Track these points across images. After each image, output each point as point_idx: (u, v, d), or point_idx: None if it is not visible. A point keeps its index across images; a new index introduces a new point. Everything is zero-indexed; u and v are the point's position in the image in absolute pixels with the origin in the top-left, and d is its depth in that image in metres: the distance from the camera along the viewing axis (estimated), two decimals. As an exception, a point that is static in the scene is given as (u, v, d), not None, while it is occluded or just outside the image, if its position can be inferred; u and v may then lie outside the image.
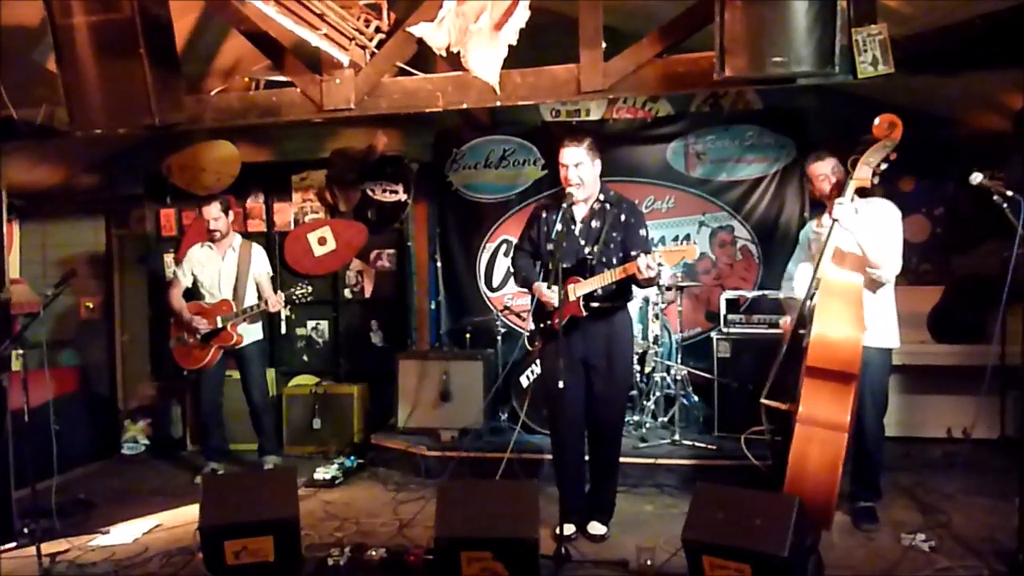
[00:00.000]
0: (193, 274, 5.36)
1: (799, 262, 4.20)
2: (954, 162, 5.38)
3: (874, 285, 3.81)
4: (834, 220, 3.61)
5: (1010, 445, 4.96)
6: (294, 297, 5.28)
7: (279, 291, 5.36)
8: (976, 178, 3.36)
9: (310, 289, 5.39)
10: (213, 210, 5.27)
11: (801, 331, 3.66)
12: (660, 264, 3.58)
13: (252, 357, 5.38)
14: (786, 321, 4.08)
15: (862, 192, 3.78)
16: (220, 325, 5.20)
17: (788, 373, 3.69)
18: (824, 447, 3.31)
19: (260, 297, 5.34)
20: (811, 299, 3.63)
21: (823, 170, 3.97)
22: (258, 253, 5.44)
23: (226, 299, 5.26)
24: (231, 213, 5.44)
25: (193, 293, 5.40)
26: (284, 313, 6.07)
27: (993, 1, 3.60)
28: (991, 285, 3.41)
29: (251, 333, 5.36)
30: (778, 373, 3.70)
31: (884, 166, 3.59)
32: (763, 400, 3.71)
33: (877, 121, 3.53)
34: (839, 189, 3.80)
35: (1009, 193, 3.30)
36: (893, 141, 3.53)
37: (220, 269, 5.31)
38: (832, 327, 3.39)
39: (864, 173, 3.58)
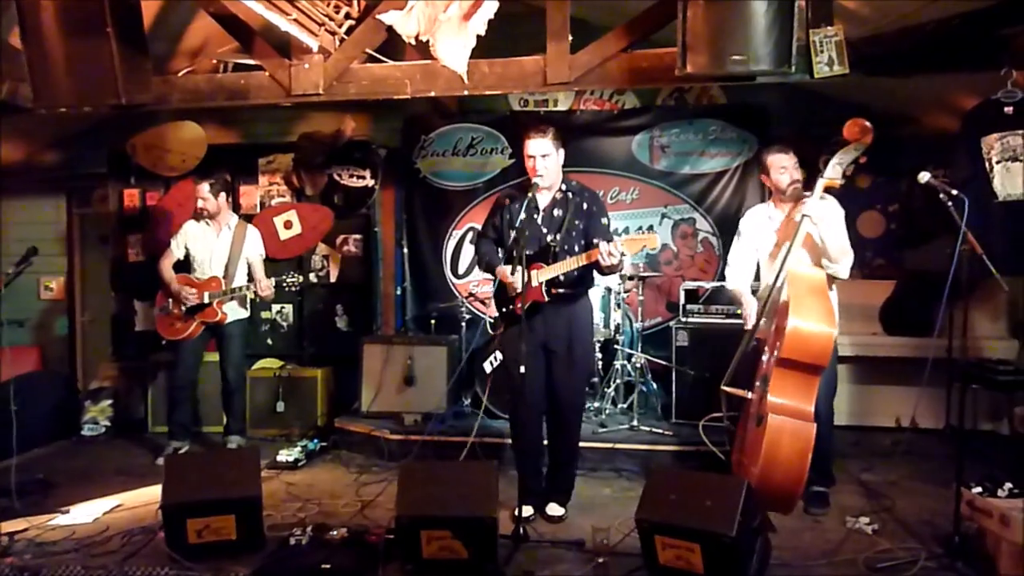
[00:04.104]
0: (187, 247, 5.37)
1: (739, 251, 4.28)
2: (908, 160, 5.55)
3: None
4: (804, 216, 3.71)
5: (954, 434, 5.13)
6: (284, 284, 5.31)
7: (271, 276, 5.35)
8: (924, 177, 3.50)
9: (300, 279, 5.43)
10: (203, 190, 5.28)
11: (763, 323, 3.78)
12: (623, 253, 3.66)
13: (233, 335, 5.38)
14: (747, 312, 4.16)
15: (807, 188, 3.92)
16: (206, 301, 5.21)
17: (746, 362, 3.82)
18: (796, 436, 3.41)
19: (250, 278, 5.36)
20: (773, 291, 3.75)
21: (785, 162, 4.04)
22: (253, 235, 5.46)
23: (216, 276, 5.27)
24: (223, 195, 5.39)
25: (184, 266, 5.40)
26: (249, 296, 6.04)
27: (945, 6, 3.74)
28: (941, 280, 3.54)
29: (235, 311, 5.37)
30: (739, 362, 3.81)
31: (852, 167, 3.70)
32: (724, 387, 3.82)
33: (849, 124, 3.63)
34: (803, 185, 3.91)
35: (953, 192, 3.44)
36: (864, 145, 3.65)
37: (213, 247, 5.33)
38: (808, 320, 3.48)
39: (835, 173, 3.69)
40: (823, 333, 3.48)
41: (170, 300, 5.32)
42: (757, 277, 4.28)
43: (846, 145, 3.67)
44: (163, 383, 6.03)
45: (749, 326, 3.98)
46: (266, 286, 5.27)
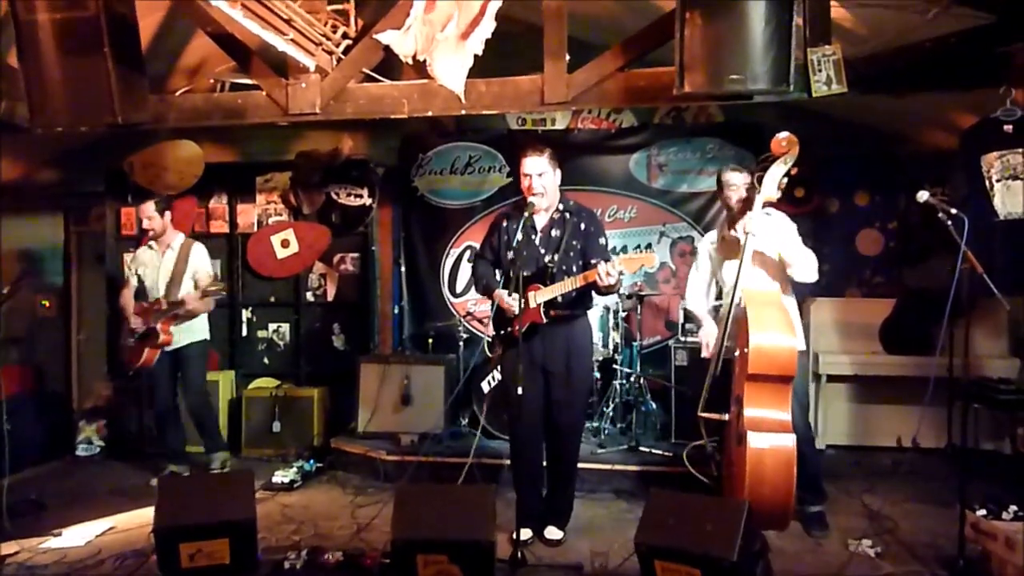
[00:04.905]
0: (137, 274, 5.27)
1: (696, 275, 4.36)
2: (906, 178, 5.55)
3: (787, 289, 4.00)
4: (747, 233, 3.73)
5: (956, 454, 5.09)
6: (208, 294, 5.06)
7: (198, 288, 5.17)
8: (923, 196, 3.49)
9: (222, 286, 5.18)
10: (147, 208, 5.15)
11: (727, 343, 3.76)
12: (621, 272, 3.64)
13: (190, 358, 5.21)
14: (705, 337, 4.19)
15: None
16: (152, 325, 5.06)
17: (719, 385, 3.80)
18: (777, 450, 3.39)
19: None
20: (732, 310, 3.74)
21: (736, 181, 4.08)
22: (198, 252, 5.27)
23: (159, 298, 5.12)
24: (168, 213, 5.27)
25: (139, 294, 5.29)
26: (246, 315, 6.00)
27: (942, 24, 3.74)
28: (940, 298, 3.52)
29: (190, 333, 5.21)
30: (711, 386, 3.79)
31: (785, 180, 3.72)
32: (700, 414, 3.79)
33: (775, 139, 3.65)
34: (748, 204, 3.92)
35: (953, 211, 3.43)
36: (792, 157, 3.66)
37: (159, 268, 5.20)
38: (768, 335, 3.49)
39: (769, 188, 3.70)
40: (785, 344, 3.49)
41: (127, 331, 5.20)
42: (720, 296, 4.34)
43: (775, 160, 3.68)
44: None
45: (705, 353, 4.02)
46: (192, 298, 5.04)
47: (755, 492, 3.34)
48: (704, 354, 4.09)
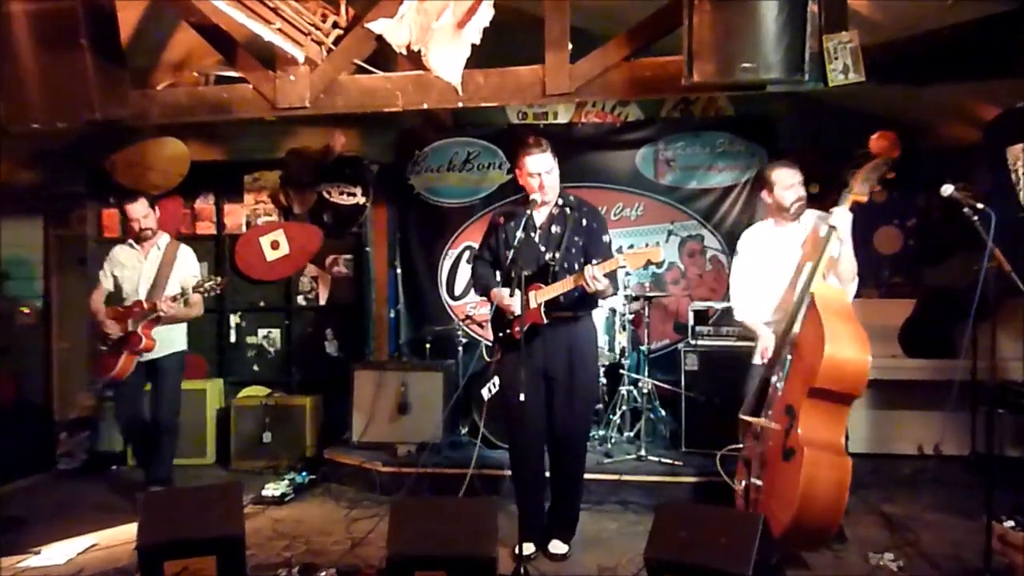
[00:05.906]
0: (113, 275, 4.96)
1: (745, 277, 3.96)
2: (926, 172, 5.38)
3: None
4: (831, 229, 3.53)
5: (980, 461, 4.96)
6: (202, 289, 4.76)
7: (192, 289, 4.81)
8: (947, 190, 3.35)
9: (219, 280, 4.85)
10: (140, 208, 4.85)
11: (785, 347, 3.57)
12: (623, 266, 3.52)
13: (167, 369, 4.87)
14: (764, 345, 3.84)
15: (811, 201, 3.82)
16: (130, 329, 4.73)
17: (764, 389, 3.63)
18: (833, 467, 3.27)
19: (187, 303, 4.83)
20: (798, 314, 3.53)
21: (792, 179, 3.81)
22: (186, 254, 4.97)
23: (140, 300, 4.80)
24: (157, 209, 4.99)
25: (114, 297, 4.97)
26: (234, 320, 5.82)
27: (961, 10, 3.60)
28: (962, 298, 3.38)
29: (170, 342, 4.87)
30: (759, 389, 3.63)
31: (879, 185, 3.58)
32: (743, 416, 3.63)
33: (877, 138, 3.49)
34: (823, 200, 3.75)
35: (979, 206, 3.28)
36: (892, 159, 3.49)
37: (141, 270, 4.90)
38: (844, 347, 3.31)
39: (864, 189, 3.52)
40: (860, 359, 3.32)
41: (99, 337, 4.86)
42: None
43: (874, 159, 3.51)
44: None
45: (763, 360, 3.75)
46: (170, 301, 4.66)
47: (804, 512, 3.23)
48: (758, 361, 3.81)
